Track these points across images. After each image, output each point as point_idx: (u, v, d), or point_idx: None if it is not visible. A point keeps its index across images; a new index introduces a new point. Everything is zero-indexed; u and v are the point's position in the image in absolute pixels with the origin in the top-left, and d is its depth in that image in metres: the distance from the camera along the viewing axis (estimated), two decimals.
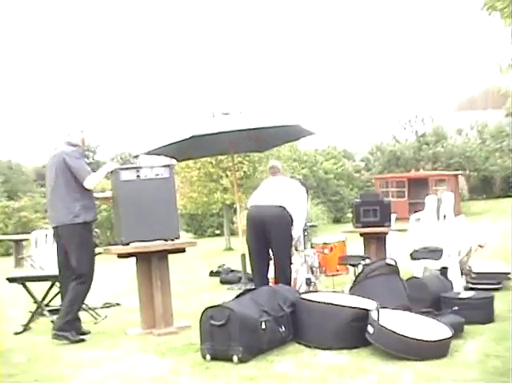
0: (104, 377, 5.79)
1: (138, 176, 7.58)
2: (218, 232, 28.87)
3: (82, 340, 7.44)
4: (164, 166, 7.84)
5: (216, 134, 9.31)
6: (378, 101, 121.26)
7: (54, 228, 7.81)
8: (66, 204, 7.51)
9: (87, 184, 7.57)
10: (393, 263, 7.67)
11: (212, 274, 13.55)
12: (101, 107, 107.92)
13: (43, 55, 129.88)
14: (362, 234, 9.82)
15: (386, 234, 9.70)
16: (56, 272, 8.11)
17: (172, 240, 7.72)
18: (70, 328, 7.42)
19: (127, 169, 7.69)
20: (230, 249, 20.93)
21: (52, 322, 7.92)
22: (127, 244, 7.53)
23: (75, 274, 7.59)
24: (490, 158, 38.67)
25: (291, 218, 8.23)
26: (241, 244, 9.72)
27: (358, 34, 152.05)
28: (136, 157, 10.23)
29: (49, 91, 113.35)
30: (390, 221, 9.55)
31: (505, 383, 4.86)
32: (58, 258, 7.82)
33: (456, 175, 32.22)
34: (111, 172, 7.86)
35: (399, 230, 9.68)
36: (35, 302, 8.69)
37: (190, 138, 8.99)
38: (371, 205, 9.61)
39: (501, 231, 19.43)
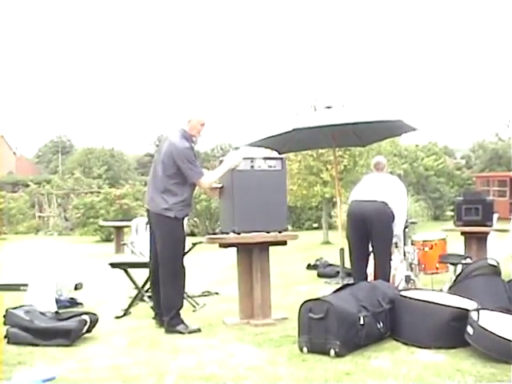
0: (201, 363, 5.88)
1: (252, 167, 7.66)
2: (315, 225, 28.87)
3: (198, 330, 7.42)
4: (277, 159, 7.91)
5: (318, 127, 9.30)
6: (481, 98, 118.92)
7: (146, 209, 7.78)
8: (162, 194, 7.44)
9: (203, 184, 7.60)
10: (495, 264, 7.56)
11: (309, 267, 13.57)
12: (202, 96, 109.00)
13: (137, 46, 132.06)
14: (462, 233, 9.68)
15: (488, 233, 9.54)
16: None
17: (280, 232, 7.78)
18: (179, 321, 7.45)
19: (243, 158, 7.73)
20: (327, 242, 20.92)
21: (152, 308, 8.08)
22: (238, 233, 7.59)
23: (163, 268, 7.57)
24: None
25: (393, 213, 8.21)
26: (339, 238, 9.70)
27: (458, 28, 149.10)
28: (237, 148, 10.30)
29: (155, 82, 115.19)
30: (492, 220, 9.39)
31: None
32: (152, 240, 7.77)
33: None
34: (220, 161, 7.93)
35: (501, 231, 9.50)
36: (136, 287, 8.88)
37: (292, 130, 9.01)
38: (473, 203, 9.47)
39: None
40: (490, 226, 9.41)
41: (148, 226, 7.90)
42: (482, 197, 9.87)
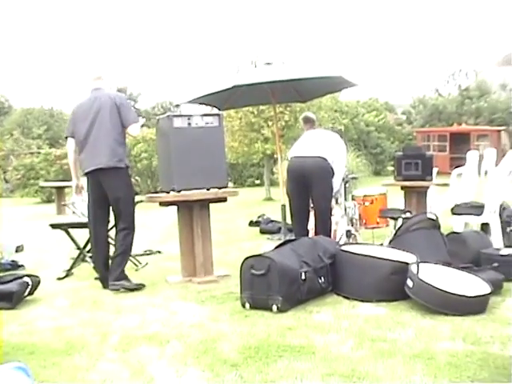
0: (144, 322, 5.88)
1: (189, 124, 7.58)
2: (257, 182, 28.94)
3: (142, 286, 7.51)
4: (214, 115, 7.84)
5: (258, 84, 9.27)
6: (421, 54, 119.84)
7: (90, 172, 7.65)
8: (110, 146, 7.42)
9: (135, 131, 7.62)
10: (434, 217, 7.66)
11: (252, 223, 13.61)
12: (142, 56, 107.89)
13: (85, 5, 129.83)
14: (402, 188, 9.75)
15: (428, 188, 9.64)
16: None
17: (220, 189, 7.76)
18: (124, 276, 7.49)
19: (179, 116, 7.66)
20: (269, 199, 20.98)
21: (94, 268, 8.04)
22: (179, 191, 7.54)
23: (122, 223, 7.65)
24: None
25: (332, 169, 8.24)
26: (281, 194, 9.73)
27: None
28: (177, 106, 10.21)
29: (90, 41, 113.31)
30: (431, 175, 9.48)
31: None
32: (91, 201, 7.78)
33: (499, 131, 31.89)
34: (158, 120, 7.92)
35: (440, 185, 9.61)
36: (77, 248, 8.81)
37: (232, 87, 8.96)
38: (413, 158, 9.53)
39: None
40: (430, 180, 9.48)
41: (90, 186, 7.79)
42: (421, 152, 9.93)
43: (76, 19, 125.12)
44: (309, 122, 8.99)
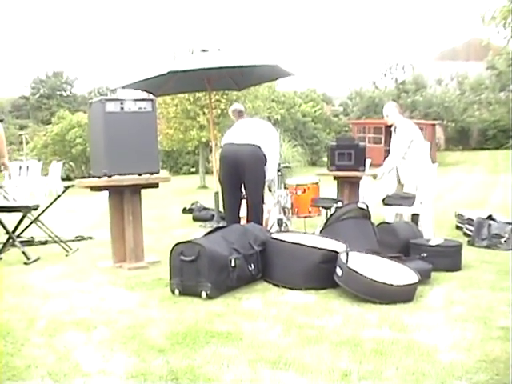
0: (73, 308, 5.81)
1: (122, 108, 7.47)
2: (193, 170, 28.92)
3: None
4: (147, 100, 7.75)
5: (193, 70, 9.23)
6: (359, 46, 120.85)
7: None
8: None
9: None
10: (364, 207, 7.72)
11: (185, 211, 13.59)
12: (79, 41, 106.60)
13: None
14: (335, 178, 9.80)
15: (360, 178, 9.69)
16: (28, 203, 8.06)
17: (152, 174, 7.69)
18: None
19: (112, 100, 7.55)
20: (204, 187, 20.98)
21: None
22: (110, 176, 7.45)
23: None
24: (468, 110, 38.89)
25: (265, 157, 8.23)
26: (215, 182, 9.72)
27: None
28: (113, 90, 10.13)
29: (27, 24, 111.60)
30: (364, 165, 9.52)
31: (467, 330, 4.93)
32: None
33: (433, 124, 32.35)
34: (90, 104, 7.79)
35: (373, 176, 9.67)
36: (7, 232, 8.66)
37: (168, 73, 8.92)
38: (346, 148, 9.55)
39: (475, 182, 19.63)
40: (363, 170, 9.52)
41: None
42: (354, 142, 9.96)
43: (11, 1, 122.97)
44: (238, 113, 9.01)
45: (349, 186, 9.64)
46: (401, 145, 9.11)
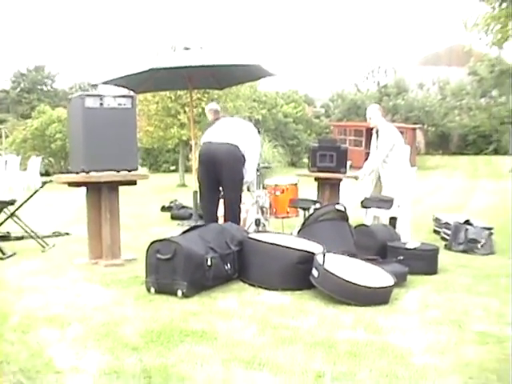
0: (47, 304, 5.78)
1: (102, 104, 7.43)
2: (173, 168, 28.86)
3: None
4: (127, 97, 7.72)
5: (175, 68, 9.21)
6: (342, 48, 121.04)
7: None
8: None
9: None
10: (342, 209, 7.72)
11: (163, 209, 13.56)
12: (62, 35, 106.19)
13: None
14: (316, 179, 9.80)
15: (341, 180, 9.71)
16: (5, 198, 8.00)
17: (130, 171, 7.65)
18: None
19: (91, 96, 7.51)
20: (183, 185, 20.96)
21: None
22: (88, 172, 7.41)
23: None
24: (449, 115, 39.09)
25: (243, 157, 8.22)
26: (194, 181, 9.71)
27: None
28: (94, 86, 10.09)
29: (8, 17, 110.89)
30: (345, 167, 9.54)
31: (441, 333, 4.95)
32: None
33: (414, 128, 32.48)
34: (70, 99, 7.73)
35: (354, 178, 9.68)
36: None
37: (149, 70, 8.89)
38: (328, 150, 9.57)
39: (454, 187, 19.73)
40: (344, 172, 9.53)
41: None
42: (336, 144, 9.98)
43: None
44: (214, 112, 9.03)
45: (329, 187, 9.66)
46: (383, 148, 9.14)
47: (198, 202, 9.20)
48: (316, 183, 9.91)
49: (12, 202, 8.77)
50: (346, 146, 10.06)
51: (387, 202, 8.81)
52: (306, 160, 35.08)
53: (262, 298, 6.02)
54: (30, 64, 56.98)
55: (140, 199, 14.97)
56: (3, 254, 8.11)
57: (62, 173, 8.60)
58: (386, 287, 5.94)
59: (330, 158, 9.50)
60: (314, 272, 6.02)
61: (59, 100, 48.25)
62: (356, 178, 9.54)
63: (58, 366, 4.20)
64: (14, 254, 8.23)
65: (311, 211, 8.47)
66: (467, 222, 9.15)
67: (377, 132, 9.39)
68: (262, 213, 9.31)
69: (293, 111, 35.80)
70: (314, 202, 8.99)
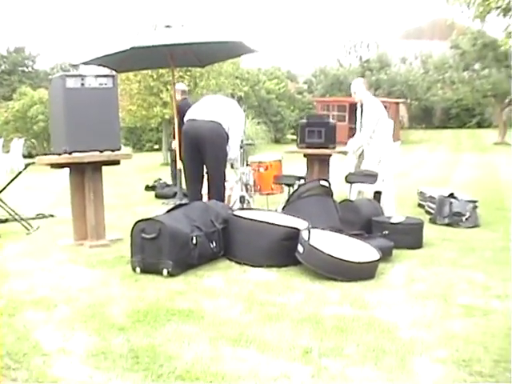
0: (32, 286, 5.75)
1: (83, 84, 7.35)
2: (156, 147, 28.79)
3: None
4: (108, 76, 7.65)
5: (156, 46, 9.16)
6: (324, 24, 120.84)
7: None
8: None
9: None
10: (326, 184, 7.72)
11: (147, 188, 13.55)
12: (41, 16, 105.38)
13: None
14: (305, 155, 9.78)
15: (330, 156, 9.70)
16: None
17: (113, 151, 7.60)
18: None
19: (72, 76, 7.44)
20: (167, 164, 20.85)
21: None
22: (70, 153, 7.35)
23: None
24: (432, 89, 39.14)
25: (227, 134, 8.18)
26: (177, 159, 9.68)
27: None
28: (75, 66, 10.03)
29: None
30: (334, 143, 9.53)
31: (427, 307, 4.97)
32: None
33: (397, 103, 32.56)
34: (51, 80, 7.67)
35: (342, 153, 9.68)
36: None
37: (130, 49, 8.83)
38: (317, 126, 9.54)
39: (438, 160, 19.78)
40: (333, 148, 9.52)
41: None
42: (325, 120, 9.95)
43: None
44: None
45: (319, 163, 9.63)
46: (369, 123, 9.14)
47: (183, 180, 9.16)
48: (299, 159, 9.89)
49: None
50: (335, 122, 10.04)
51: (371, 177, 8.82)
52: (289, 136, 35.16)
53: (247, 275, 6.02)
54: (10, 45, 56.54)
55: (124, 179, 14.95)
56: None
57: (45, 154, 8.53)
58: (371, 262, 5.95)
59: (319, 134, 9.48)
60: (300, 248, 6.02)
61: (40, 81, 47.91)
62: (345, 153, 9.53)
63: (45, 349, 4.19)
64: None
65: (295, 187, 8.47)
66: (451, 196, 9.16)
67: (361, 106, 9.38)
68: (247, 190, 9.31)
69: (275, 87, 35.78)
70: (299, 178, 8.99)
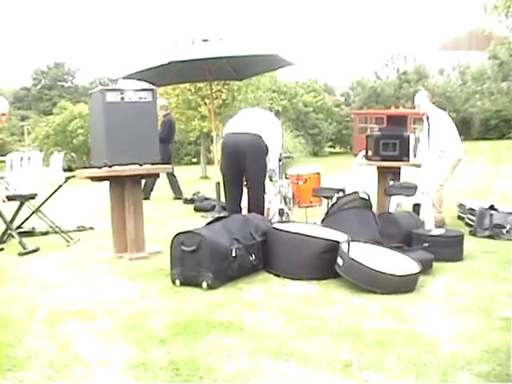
0: (74, 298, 5.79)
1: (123, 98, 7.44)
2: (194, 160, 28.91)
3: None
4: (147, 90, 7.72)
5: (195, 60, 9.22)
6: (361, 36, 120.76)
7: None
8: None
9: None
10: (366, 197, 7.69)
11: (186, 201, 13.57)
12: (81, 32, 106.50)
13: None
14: (378, 168, 9.71)
15: (400, 168, 9.65)
16: (25, 192, 8.02)
17: (152, 164, 7.65)
18: None
19: (112, 90, 7.53)
20: (205, 177, 20.97)
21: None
22: (110, 166, 7.42)
23: None
24: (470, 100, 38.76)
25: (266, 147, 8.18)
26: (216, 172, 9.70)
27: None
28: (114, 81, 10.12)
29: (29, 15, 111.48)
30: (408, 155, 9.45)
31: (468, 321, 4.92)
32: None
33: None
34: (91, 94, 7.75)
35: (415, 165, 9.61)
36: (4, 222, 8.63)
37: (169, 63, 8.89)
38: (391, 138, 9.47)
39: (477, 172, 19.60)
40: (407, 160, 9.45)
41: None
42: (399, 132, 9.84)
43: None
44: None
45: (391, 175, 9.57)
46: (439, 137, 9.16)
47: (221, 193, 9.18)
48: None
49: (33, 197, 8.82)
50: (409, 134, 9.91)
51: (411, 189, 8.77)
52: (327, 149, 35.08)
53: (287, 288, 6.01)
54: (50, 61, 57.33)
55: (163, 192, 14.97)
56: (24, 248, 8.14)
57: (85, 168, 8.60)
58: (411, 275, 5.91)
59: (393, 147, 9.41)
60: (339, 261, 6.01)
61: (80, 96, 48.43)
62: (418, 165, 9.46)
63: (85, 360, 4.22)
64: (38, 248, 8.26)
65: (334, 200, 8.45)
66: (492, 208, 9.07)
67: (427, 119, 9.37)
68: (286, 203, 9.29)
69: (313, 100, 35.71)
70: (338, 191, 8.96)
